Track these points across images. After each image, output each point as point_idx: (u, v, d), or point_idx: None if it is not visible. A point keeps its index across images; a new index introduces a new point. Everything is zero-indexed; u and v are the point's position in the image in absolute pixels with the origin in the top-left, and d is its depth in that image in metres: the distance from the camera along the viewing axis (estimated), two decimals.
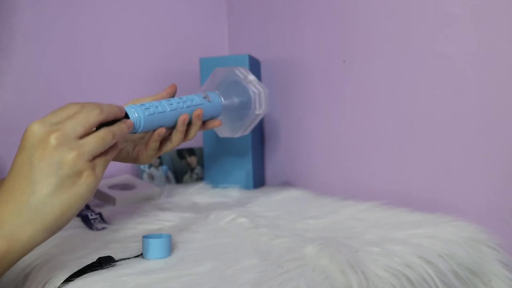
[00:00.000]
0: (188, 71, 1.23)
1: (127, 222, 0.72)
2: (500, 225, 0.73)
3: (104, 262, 0.51)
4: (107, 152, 0.47)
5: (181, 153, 1.19)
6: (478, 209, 0.76)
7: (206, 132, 1.08)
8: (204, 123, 0.68)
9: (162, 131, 0.60)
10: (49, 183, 0.41)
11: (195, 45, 1.29)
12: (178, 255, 0.55)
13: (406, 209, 0.75)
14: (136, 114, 0.55)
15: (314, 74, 1.05)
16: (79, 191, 0.42)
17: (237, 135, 0.76)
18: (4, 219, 0.41)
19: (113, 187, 0.97)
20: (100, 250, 0.57)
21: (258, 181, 1.11)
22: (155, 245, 0.54)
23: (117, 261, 0.52)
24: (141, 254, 0.55)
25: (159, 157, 1.14)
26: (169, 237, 0.56)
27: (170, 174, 1.15)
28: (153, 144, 0.62)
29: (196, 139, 1.18)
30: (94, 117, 0.45)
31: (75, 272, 0.49)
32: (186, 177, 1.17)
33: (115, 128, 0.48)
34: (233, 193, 0.99)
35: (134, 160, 0.65)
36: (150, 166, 1.12)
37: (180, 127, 0.62)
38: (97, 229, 0.70)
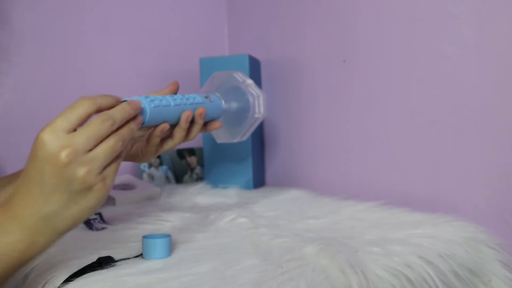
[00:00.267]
0: (188, 71, 1.23)
1: (127, 222, 0.72)
2: (500, 225, 0.73)
3: (104, 262, 0.51)
4: (117, 157, 0.47)
5: (181, 153, 1.19)
6: (478, 209, 0.76)
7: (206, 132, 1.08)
8: (205, 124, 0.68)
9: (165, 126, 0.59)
10: (62, 198, 0.43)
11: (195, 45, 1.29)
12: (178, 255, 0.55)
13: (406, 209, 0.75)
14: (142, 106, 0.53)
15: (314, 74, 1.05)
16: (89, 203, 0.44)
17: (235, 140, 0.76)
18: (25, 222, 0.43)
19: (113, 187, 0.97)
20: (100, 250, 0.57)
21: (258, 181, 1.11)
22: (155, 245, 0.54)
23: (117, 261, 0.52)
24: (141, 254, 0.55)
25: (159, 157, 1.14)
26: (169, 237, 0.56)
27: (170, 174, 1.15)
28: (155, 140, 0.60)
29: (196, 139, 1.18)
30: (106, 129, 0.44)
31: (75, 272, 0.49)
32: (186, 177, 1.17)
33: (124, 132, 0.47)
34: (233, 193, 1.00)
35: (133, 158, 0.64)
36: (150, 166, 1.12)
37: (183, 123, 0.61)
38: (97, 229, 0.70)
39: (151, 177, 1.12)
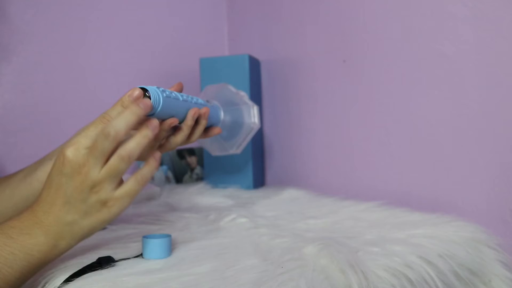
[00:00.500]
0: (188, 71, 1.23)
1: (127, 222, 0.72)
2: (500, 225, 0.73)
3: (104, 262, 0.51)
4: (137, 173, 0.50)
5: (181, 153, 1.19)
6: (478, 209, 0.76)
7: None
8: (205, 130, 0.69)
9: (174, 121, 0.59)
10: (81, 209, 0.48)
11: (195, 45, 1.29)
12: (178, 255, 0.55)
13: (406, 209, 0.75)
14: (156, 94, 0.54)
15: (314, 74, 1.05)
16: (103, 217, 0.49)
17: (230, 151, 0.76)
18: (49, 228, 0.48)
19: None
20: (100, 250, 0.57)
21: (258, 181, 1.11)
22: (155, 245, 0.54)
23: (117, 261, 0.52)
24: (141, 254, 0.55)
25: None
26: (169, 237, 0.56)
27: (170, 174, 1.15)
28: (162, 135, 0.61)
29: None
30: (110, 144, 0.47)
31: (75, 272, 0.49)
32: (186, 177, 1.17)
33: (129, 148, 0.49)
34: (233, 193, 0.99)
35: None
36: None
37: (190, 120, 0.62)
38: None
39: (151, 177, 1.12)
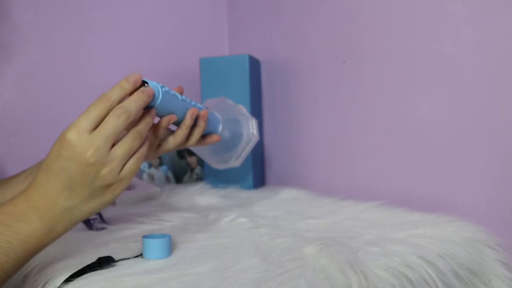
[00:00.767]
0: (188, 71, 1.23)
1: (127, 222, 0.72)
2: (500, 225, 0.73)
3: (104, 262, 0.51)
4: (134, 154, 0.50)
5: (181, 153, 1.19)
6: (478, 209, 0.76)
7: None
8: (203, 137, 0.69)
9: (173, 117, 0.59)
10: (84, 193, 0.47)
11: (195, 45, 1.29)
12: (178, 255, 0.55)
13: (406, 209, 0.75)
14: (155, 87, 0.54)
15: (314, 74, 1.05)
16: (106, 199, 0.48)
17: (229, 164, 0.77)
18: (45, 213, 0.47)
19: None
20: (100, 250, 0.57)
21: (258, 181, 1.11)
22: (155, 245, 0.54)
23: (117, 261, 0.52)
24: (141, 254, 0.55)
25: (159, 157, 1.14)
26: (169, 237, 0.56)
27: (170, 174, 1.15)
28: (161, 132, 0.60)
29: None
30: (123, 123, 0.47)
31: (75, 272, 0.49)
32: (186, 177, 1.17)
33: (141, 127, 0.50)
34: (233, 193, 0.99)
35: None
36: (150, 166, 1.12)
37: (188, 120, 0.62)
38: (97, 229, 0.70)
39: (151, 177, 1.12)
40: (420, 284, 0.52)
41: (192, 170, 1.19)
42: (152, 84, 0.55)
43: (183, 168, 1.17)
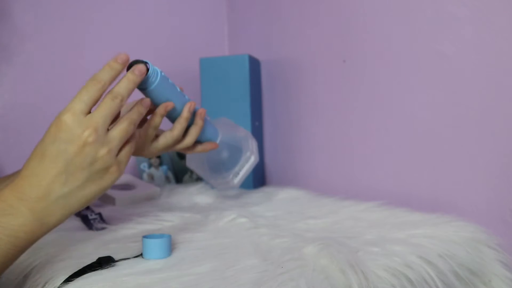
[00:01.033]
0: (188, 71, 1.23)
1: (127, 222, 0.72)
2: (500, 225, 0.73)
3: (104, 262, 0.51)
4: (129, 141, 0.50)
5: (181, 153, 1.19)
6: (478, 209, 0.76)
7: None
8: (201, 143, 0.69)
9: (170, 104, 0.58)
10: (82, 176, 0.45)
11: (195, 45, 1.29)
12: (178, 255, 0.55)
13: (406, 209, 0.75)
14: (154, 69, 0.55)
15: (314, 74, 1.05)
16: (104, 184, 0.47)
17: (229, 180, 0.77)
18: (36, 204, 0.44)
19: (113, 187, 0.97)
20: (100, 250, 0.57)
21: (258, 181, 1.11)
22: (155, 245, 0.54)
23: (117, 261, 0.52)
24: (141, 254, 0.55)
25: (159, 157, 1.14)
26: (169, 237, 0.56)
27: (170, 174, 1.15)
28: (157, 120, 0.59)
29: None
30: (117, 106, 0.47)
31: (75, 272, 0.49)
32: (186, 177, 1.17)
33: (134, 115, 0.50)
34: (233, 193, 0.99)
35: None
36: (150, 166, 1.12)
37: (186, 112, 0.61)
38: (97, 229, 0.70)
39: (151, 177, 1.12)
40: (420, 284, 0.52)
41: (192, 170, 1.19)
42: (153, 67, 0.55)
43: (183, 168, 1.17)
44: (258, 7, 1.21)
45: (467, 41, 0.76)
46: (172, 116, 0.63)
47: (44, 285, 0.50)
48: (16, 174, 0.64)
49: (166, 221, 0.73)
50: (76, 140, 0.44)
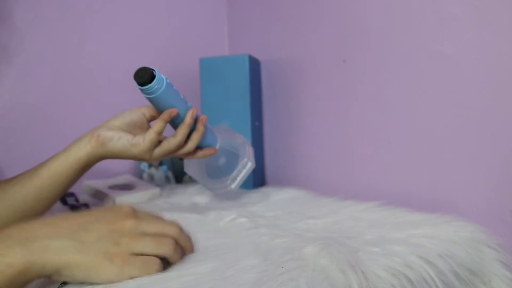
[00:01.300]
0: (188, 71, 1.23)
1: None
2: (500, 225, 0.73)
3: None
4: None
5: None
6: (478, 209, 0.76)
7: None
8: (201, 149, 0.70)
9: (174, 111, 0.60)
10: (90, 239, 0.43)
11: (195, 45, 1.29)
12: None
13: (406, 209, 0.75)
14: (160, 76, 0.57)
15: (314, 74, 1.05)
16: (100, 265, 0.43)
17: (227, 188, 0.78)
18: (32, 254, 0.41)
19: (113, 187, 0.97)
20: None
21: (258, 181, 1.11)
22: None
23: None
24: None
25: None
26: None
27: (170, 174, 1.15)
28: (161, 126, 0.60)
29: None
30: (159, 249, 0.47)
31: None
32: (186, 177, 1.17)
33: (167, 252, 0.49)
34: (233, 193, 0.99)
35: (131, 148, 0.64)
36: (150, 166, 1.12)
37: (189, 118, 0.63)
38: (72, 207, 0.69)
39: (151, 177, 1.12)
40: (420, 284, 0.52)
41: (190, 175, 1.19)
42: (159, 75, 0.57)
43: (183, 168, 1.17)
44: (258, 7, 1.21)
45: (467, 41, 0.76)
46: (175, 122, 0.64)
47: (44, 285, 0.50)
48: (28, 172, 0.64)
49: None
50: (116, 224, 0.45)
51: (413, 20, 0.84)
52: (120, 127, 0.65)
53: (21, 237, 0.41)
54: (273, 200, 0.91)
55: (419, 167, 0.84)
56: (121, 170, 1.13)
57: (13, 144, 0.99)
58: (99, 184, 0.96)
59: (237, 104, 1.05)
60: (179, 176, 1.16)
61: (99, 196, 0.93)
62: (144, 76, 0.58)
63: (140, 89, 0.60)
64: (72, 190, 0.92)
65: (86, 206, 0.86)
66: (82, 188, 0.96)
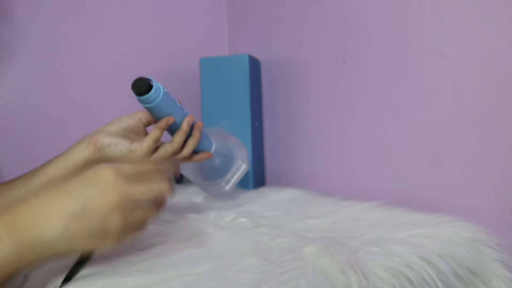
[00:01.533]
0: (188, 71, 1.23)
1: None
2: (500, 225, 0.73)
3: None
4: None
5: None
6: (478, 209, 0.76)
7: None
8: (196, 153, 0.72)
9: (171, 119, 0.61)
10: (83, 227, 0.43)
11: (195, 45, 1.29)
12: (178, 255, 0.55)
13: (406, 209, 0.75)
14: (157, 86, 0.58)
15: (314, 74, 1.05)
16: (93, 247, 0.45)
17: (222, 189, 0.80)
18: (25, 243, 0.42)
19: None
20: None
21: (258, 181, 1.11)
22: None
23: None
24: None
25: None
26: None
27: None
28: (158, 133, 0.62)
29: None
30: (151, 201, 0.48)
31: (71, 271, 0.48)
32: (186, 177, 1.17)
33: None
34: (233, 193, 0.99)
35: (129, 154, 0.64)
36: None
37: (185, 126, 0.64)
38: None
39: None
40: (420, 284, 0.52)
41: (186, 177, 1.19)
42: (156, 84, 0.58)
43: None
44: (258, 7, 1.21)
45: (467, 41, 0.76)
46: (172, 129, 0.66)
47: (44, 285, 0.50)
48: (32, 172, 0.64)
49: (166, 221, 0.73)
50: (107, 196, 0.44)
51: (413, 20, 0.84)
52: (117, 132, 0.66)
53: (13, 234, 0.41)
54: (273, 200, 0.91)
55: (419, 167, 0.84)
56: None
57: (13, 144, 0.99)
58: None
59: (237, 104, 1.05)
60: (179, 176, 1.16)
61: None
62: (142, 87, 0.59)
63: (138, 99, 0.61)
64: None
65: None
66: None
